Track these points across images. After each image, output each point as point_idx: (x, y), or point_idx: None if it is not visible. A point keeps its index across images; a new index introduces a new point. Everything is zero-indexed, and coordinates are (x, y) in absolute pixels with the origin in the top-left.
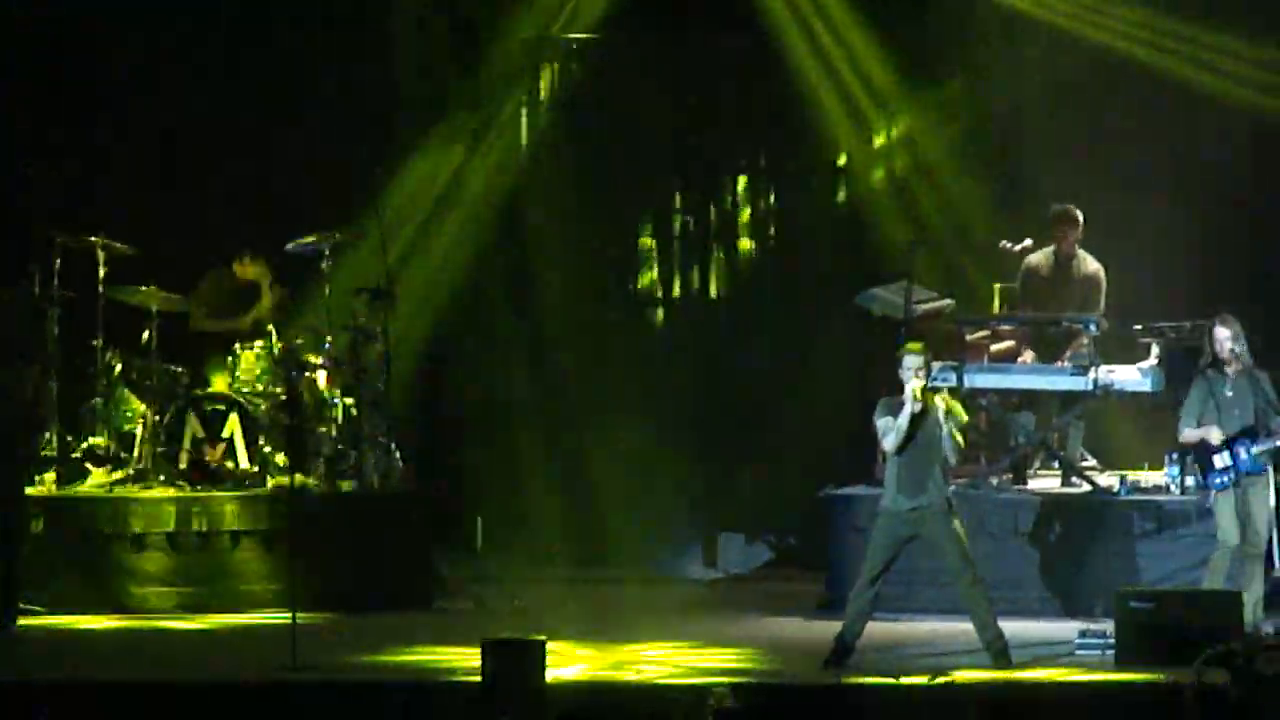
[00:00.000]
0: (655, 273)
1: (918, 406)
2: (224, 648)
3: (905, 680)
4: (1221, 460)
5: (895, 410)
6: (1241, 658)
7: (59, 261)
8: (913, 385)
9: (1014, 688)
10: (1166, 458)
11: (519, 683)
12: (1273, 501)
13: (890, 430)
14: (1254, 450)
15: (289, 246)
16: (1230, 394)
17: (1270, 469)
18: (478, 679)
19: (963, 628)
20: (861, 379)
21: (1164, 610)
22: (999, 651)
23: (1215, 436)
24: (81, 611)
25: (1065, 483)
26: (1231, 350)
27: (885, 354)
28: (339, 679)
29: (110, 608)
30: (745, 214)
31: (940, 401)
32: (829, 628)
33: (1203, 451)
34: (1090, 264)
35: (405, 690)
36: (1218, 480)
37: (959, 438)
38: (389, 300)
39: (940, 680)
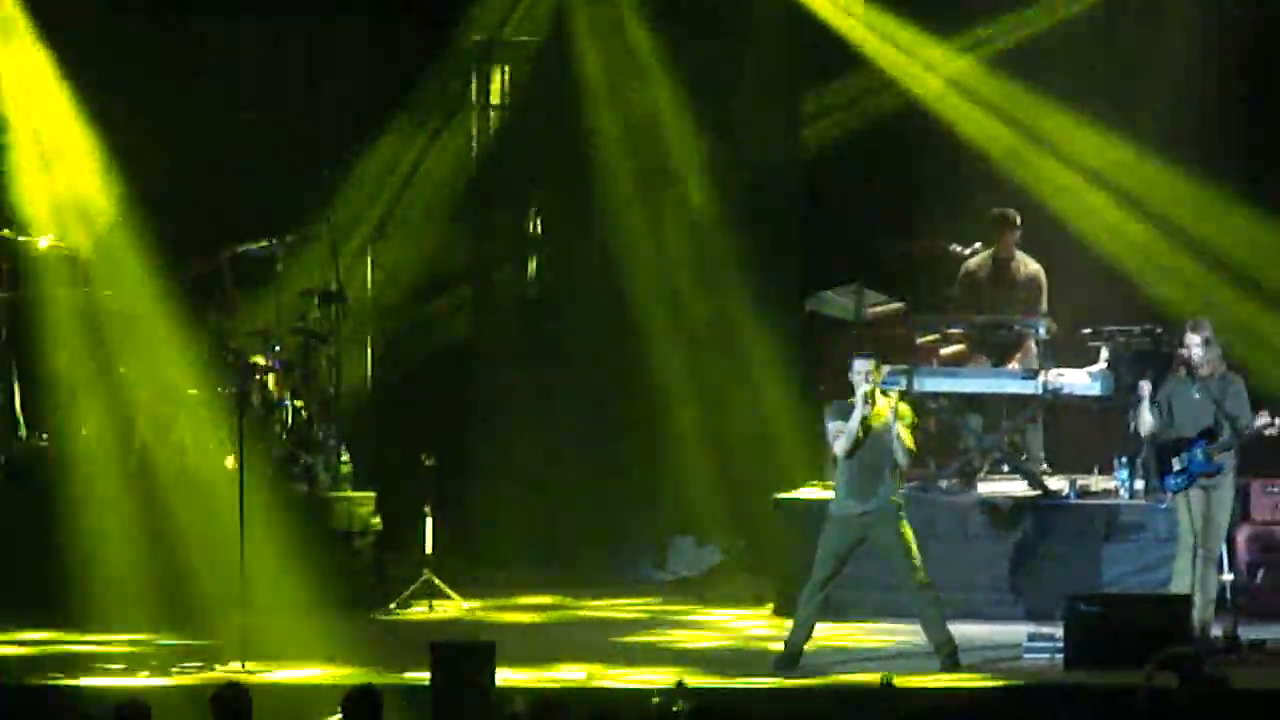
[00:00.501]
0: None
1: (869, 410)
2: (171, 649)
3: (855, 682)
4: (1179, 461)
5: (846, 414)
6: (1191, 661)
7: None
8: (864, 389)
9: (963, 691)
10: (1115, 461)
11: (468, 686)
12: (1230, 507)
13: (841, 434)
14: (1210, 449)
15: (241, 248)
16: (1197, 397)
17: (1231, 473)
18: (427, 681)
19: (912, 631)
20: (813, 382)
21: (1113, 614)
22: (948, 655)
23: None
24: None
25: (1031, 485)
26: (1201, 355)
27: (836, 357)
28: (288, 681)
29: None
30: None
31: (890, 405)
32: (779, 631)
33: (1160, 451)
34: (1030, 265)
35: (355, 692)
36: (1173, 481)
37: (909, 441)
38: (340, 302)
39: (890, 683)
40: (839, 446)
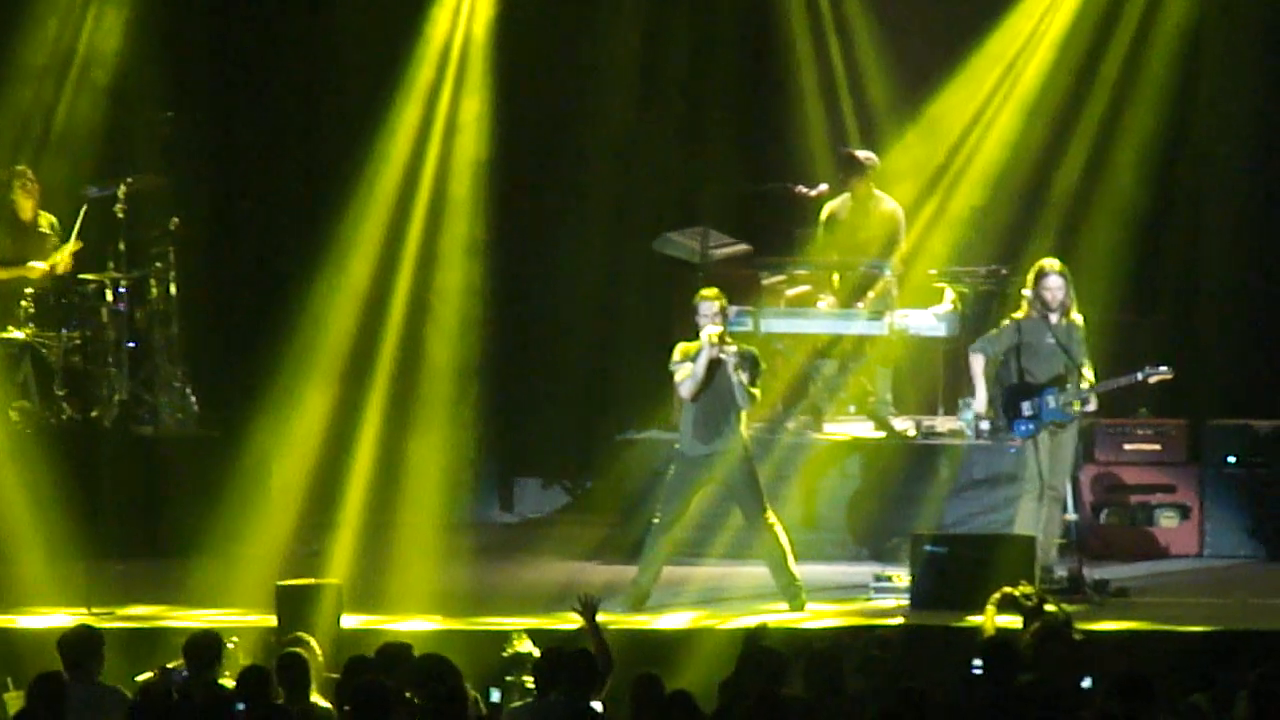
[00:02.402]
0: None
1: (715, 352)
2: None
3: (703, 624)
4: (1030, 407)
5: (692, 356)
6: (1031, 602)
7: None
8: (709, 331)
9: (813, 632)
10: (961, 403)
11: (313, 628)
12: (1074, 447)
13: (687, 376)
14: (1061, 399)
15: (85, 191)
16: (1050, 341)
17: (1077, 417)
18: (273, 624)
19: (758, 572)
20: (660, 323)
21: (958, 554)
22: (793, 596)
23: (981, 396)
24: None
25: (877, 427)
26: (1061, 297)
27: (682, 298)
28: (133, 624)
29: None
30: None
31: (735, 346)
32: (625, 572)
33: (1011, 396)
34: (887, 204)
35: (199, 634)
36: (1023, 427)
37: (752, 384)
38: (182, 243)
39: (751, 625)
40: (684, 389)
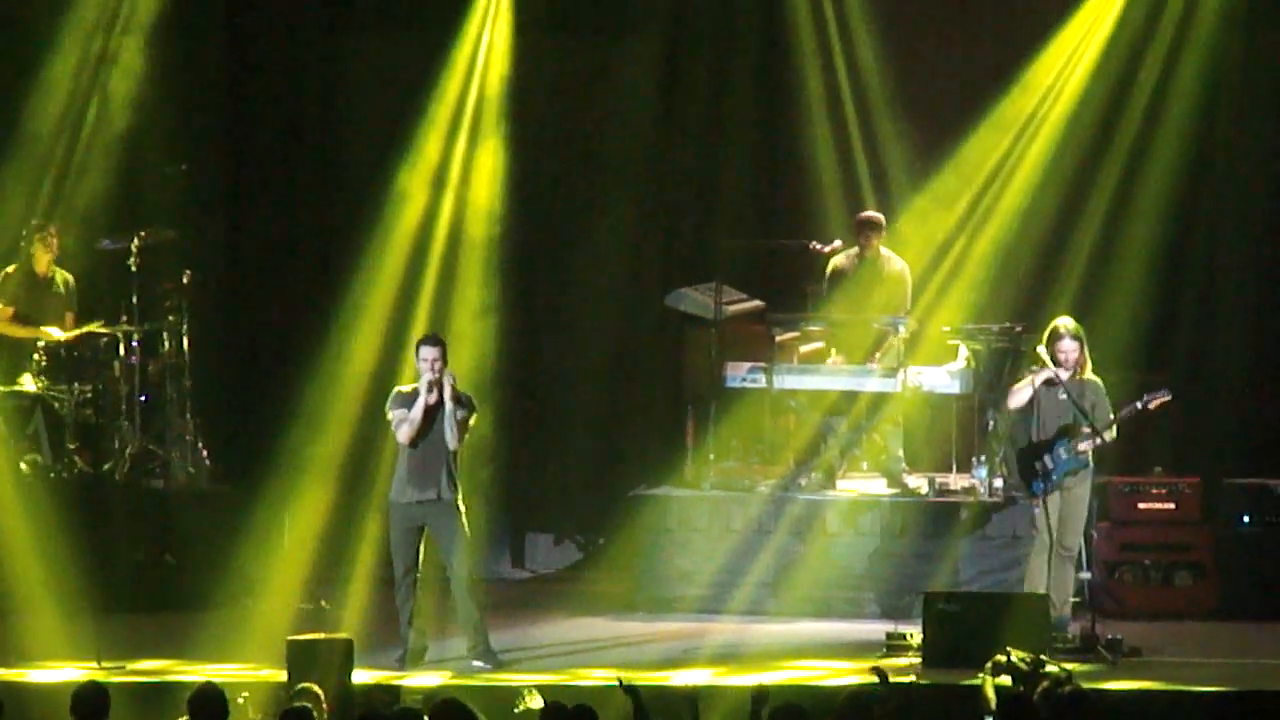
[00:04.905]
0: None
1: (432, 398)
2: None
3: (719, 681)
4: (1042, 465)
5: (409, 402)
6: (1027, 665)
7: None
8: (427, 377)
9: (827, 690)
10: (974, 460)
11: (324, 683)
12: (1086, 504)
13: (403, 422)
14: (1071, 445)
15: (98, 244)
16: (1063, 398)
17: (1089, 471)
18: (283, 679)
19: (776, 630)
20: (672, 379)
21: (972, 612)
22: (480, 654)
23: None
24: None
25: (890, 483)
26: (1075, 356)
27: (695, 355)
28: (144, 678)
29: None
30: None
31: (451, 392)
32: (636, 628)
33: (1023, 456)
34: (895, 263)
35: (202, 687)
36: (1039, 485)
37: (468, 425)
38: (195, 296)
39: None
40: (402, 435)
